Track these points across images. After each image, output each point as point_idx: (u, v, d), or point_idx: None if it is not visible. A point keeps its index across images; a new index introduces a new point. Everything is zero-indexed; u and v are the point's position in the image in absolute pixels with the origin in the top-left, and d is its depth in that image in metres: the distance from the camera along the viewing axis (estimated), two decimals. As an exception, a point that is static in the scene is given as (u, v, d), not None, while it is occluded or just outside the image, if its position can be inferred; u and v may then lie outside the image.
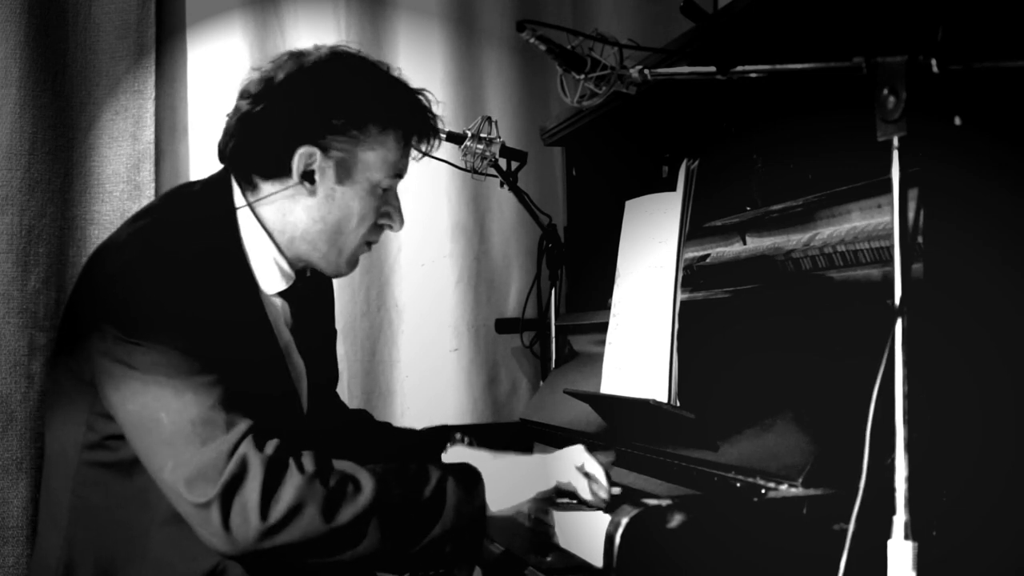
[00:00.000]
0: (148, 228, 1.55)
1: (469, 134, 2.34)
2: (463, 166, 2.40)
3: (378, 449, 1.95)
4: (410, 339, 2.88)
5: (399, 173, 1.65)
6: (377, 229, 1.69)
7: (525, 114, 2.99)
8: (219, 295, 1.50)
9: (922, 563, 1.06)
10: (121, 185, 2.48)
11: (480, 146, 2.34)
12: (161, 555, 1.51)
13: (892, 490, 1.08)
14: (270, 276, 1.62)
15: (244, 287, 1.59)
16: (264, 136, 1.57)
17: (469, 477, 1.49)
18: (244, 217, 1.60)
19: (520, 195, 2.46)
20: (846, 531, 1.08)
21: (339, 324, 2.76)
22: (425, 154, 1.73)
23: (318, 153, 1.56)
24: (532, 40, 1.32)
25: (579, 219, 2.67)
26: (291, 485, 1.39)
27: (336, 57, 1.62)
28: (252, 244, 1.61)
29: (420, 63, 2.87)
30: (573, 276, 2.62)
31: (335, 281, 1.93)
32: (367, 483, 1.42)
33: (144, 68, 2.51)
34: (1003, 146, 1.37)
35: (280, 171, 1.58)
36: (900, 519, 1.07)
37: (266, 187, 1.59)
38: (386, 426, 2.09)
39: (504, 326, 2.91)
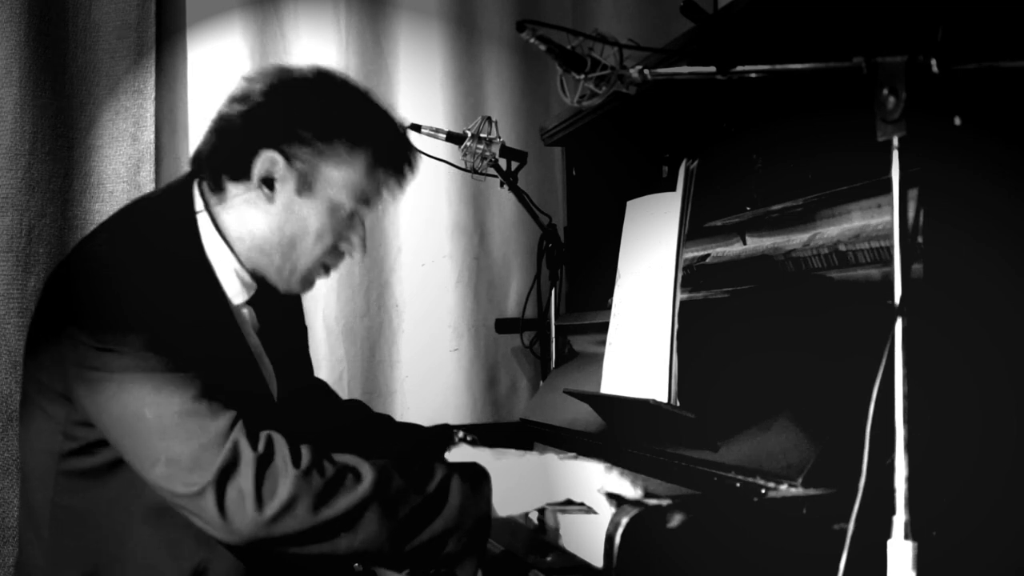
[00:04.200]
0: (111, 239, 1.56)
1: (469, 134, 2.34)
2: (463, 166, 2.40)
3: (379, 444, 1.94)
4: (410, 339, 2.88)
5: (366, 199, 1.63)
6: (337, 254, 1.67)
7: (525, 114, 2.99)
8: (187, 298, 1.51)
9: (922, 563, 1.06)
10: (121, 185, 2.48)
11: (480, 146, 2.34)
12: (144, 556, 1.51)
13: (892, 490, 1.08)
14: (231, 286, 1.62)
15: (210, 291, 1.60)
16: (234, 137, 1.59)
17: (476, 476, 1.48)
18: (204, 224, 1.61)
19: (520, 195, 2.46)
20: (846, 531, 1.08)
21: (339, 324, 2.78)
22: (399, 185, 1.69)
23: (281, 161, 1.56)
24: (532, 40, 1.32)
25: (579, 219, 2.67)
26: (287, 475, 1.39)
27: (319, 74, 1.64)
28: (213, 252, 1.61)
29: (420, 63, 2.87)
30: (573, 276, 2.62)
31: (335, 279, 1.91)
32: (368, 473, 1.43)
33: (144, 68, 2.51)
34: (1003, 146, 1.37)
35: (245, 174, 1.58)
36: (900, 519, 1.08)
37: (232, 190, 1.60)
38: (386, 419, 2.06)
39: (504, 326, 2.91)
